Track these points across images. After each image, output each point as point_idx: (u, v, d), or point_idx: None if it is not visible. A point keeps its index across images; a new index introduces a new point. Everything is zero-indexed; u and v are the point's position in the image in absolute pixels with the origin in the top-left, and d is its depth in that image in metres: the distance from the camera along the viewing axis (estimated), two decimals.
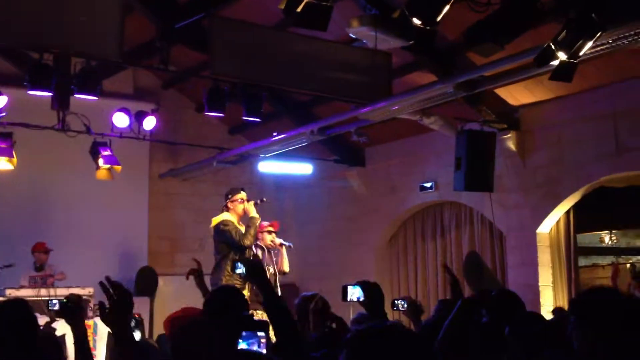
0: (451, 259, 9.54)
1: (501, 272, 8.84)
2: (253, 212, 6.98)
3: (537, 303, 8.06)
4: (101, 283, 2.51)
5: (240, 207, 7.01)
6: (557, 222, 8.39)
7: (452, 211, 9.77)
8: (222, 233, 6.81)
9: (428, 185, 9.72)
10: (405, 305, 4.19)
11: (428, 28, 4.56)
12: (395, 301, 4.25)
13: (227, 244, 6.81)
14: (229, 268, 6.49)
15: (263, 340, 2.41)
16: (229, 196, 7.09)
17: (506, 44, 5.10)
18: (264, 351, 2.42)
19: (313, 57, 7.23)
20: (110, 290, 2.49)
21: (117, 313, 2.50)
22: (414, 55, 7.63)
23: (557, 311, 6.49)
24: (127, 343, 2.53)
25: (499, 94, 8.15)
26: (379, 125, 8.65)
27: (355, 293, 3.52)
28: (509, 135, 8.34)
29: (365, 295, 3.32)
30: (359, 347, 1.85)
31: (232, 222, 6.86)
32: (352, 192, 10.88)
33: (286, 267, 7.24)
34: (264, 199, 7.26)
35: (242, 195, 7.06)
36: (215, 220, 7.00)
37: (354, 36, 5.88)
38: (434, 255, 9.98)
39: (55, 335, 6.08)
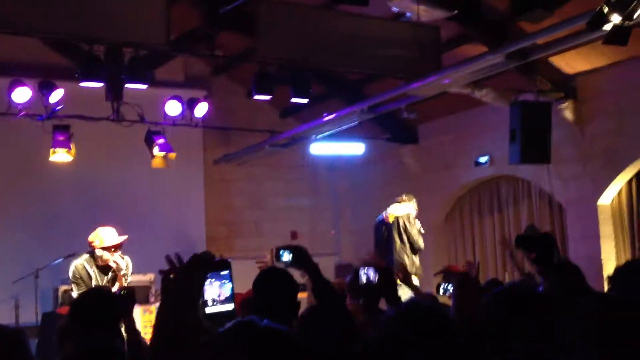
0: (509, 234, 9.35)
1: (562, 246, 8.63)
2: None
3: (600, 276, 7.84)
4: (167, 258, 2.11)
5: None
6: (619, 193, 8.12)
7: (508, 185, 9.58)
8: (409, 230, 8.29)
9: (483, 160, 9.54)
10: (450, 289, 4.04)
11: None
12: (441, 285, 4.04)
13: (405, 239, 8.23)
14: (408, 252, 8.19)
15: (227, 282, 2.18)
16: (414, 199, 8.57)
17: (556, 9, 4.94)
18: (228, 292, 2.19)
19: (359, 35, 7.14)
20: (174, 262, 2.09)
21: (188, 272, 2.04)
22: (462, 27, 7.47)
23: None
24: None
25: (553, 62, 7.91)
26: (430, 101, 8.52)
27: (366, 273, 3.27)
28: (565, 104, 8.09)
29: (379, 278, 3.25)
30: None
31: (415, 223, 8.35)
32: (405, 170, 10.77)
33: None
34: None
35: None
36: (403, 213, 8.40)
37: (396, 9, 5.79)
38: (492, 231, 9.81)
39: None
